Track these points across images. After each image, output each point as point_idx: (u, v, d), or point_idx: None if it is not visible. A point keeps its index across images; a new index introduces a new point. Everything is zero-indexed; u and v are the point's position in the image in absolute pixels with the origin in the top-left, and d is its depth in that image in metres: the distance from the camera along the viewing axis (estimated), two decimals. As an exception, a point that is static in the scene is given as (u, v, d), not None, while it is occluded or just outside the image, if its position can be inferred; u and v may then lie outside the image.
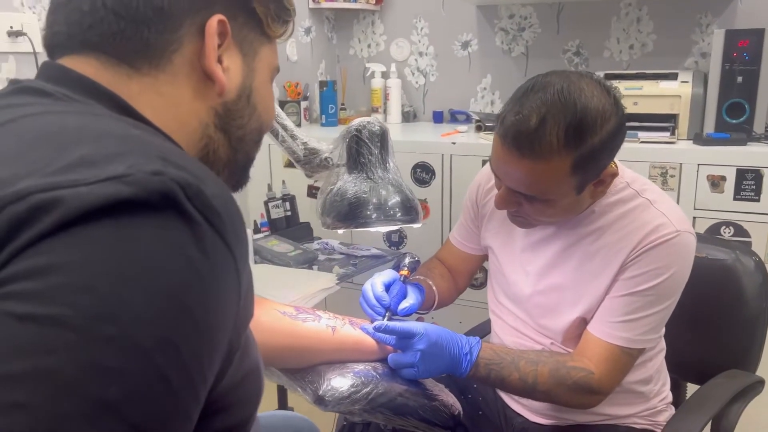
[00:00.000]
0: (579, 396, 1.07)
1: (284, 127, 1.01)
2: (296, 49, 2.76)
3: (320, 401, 0.93)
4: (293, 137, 1.01)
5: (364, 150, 0.98)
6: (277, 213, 1.90)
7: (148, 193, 0.43)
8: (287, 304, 1.03)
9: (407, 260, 1.15)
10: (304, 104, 2.70)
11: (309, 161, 1.03)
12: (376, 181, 0.97)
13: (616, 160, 1.13)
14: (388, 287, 1.12)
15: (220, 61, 0.62)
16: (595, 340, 1.07)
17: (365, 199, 0.96)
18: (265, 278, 1.52)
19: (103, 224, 0.41)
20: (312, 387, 0.95)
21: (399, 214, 0.98)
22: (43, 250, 0.39)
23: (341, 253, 1.79)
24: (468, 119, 2.68)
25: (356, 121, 0.99)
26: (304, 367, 1.00)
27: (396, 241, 2.34)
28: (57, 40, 0.61)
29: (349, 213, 0.95)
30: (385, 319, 1.08)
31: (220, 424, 0.55)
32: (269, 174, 2.51)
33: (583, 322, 1.11)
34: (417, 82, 2.85)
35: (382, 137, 1.00)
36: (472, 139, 2.28)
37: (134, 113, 0.58)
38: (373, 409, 0.97)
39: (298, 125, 2.64)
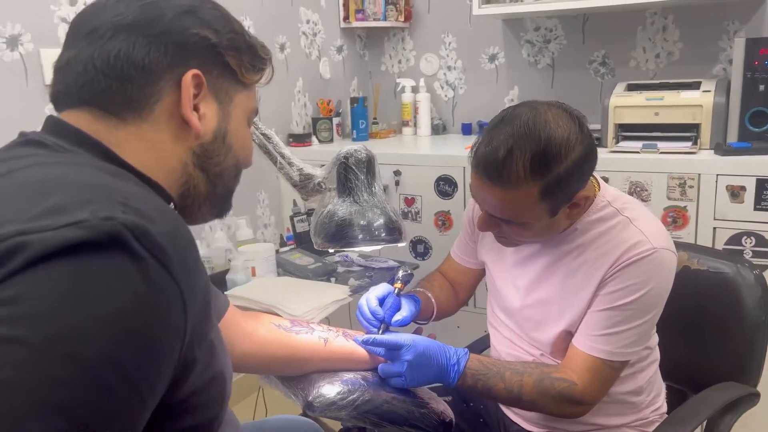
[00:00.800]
0: (564, 406, 1.11)
1: (282, 155, 1.10)
2: (329, 67, 2.88)
3: (309, 407, 1.02)
4: (290, 164, 1.10)
5: (351, 176, 1.06)
6: (302, 227, 2.01)
7: (100, 236, 0.52)
8: (286, 317, 1.12)
9: (400, 273, 1.22)
10: (336, 120, 2.81)
11: (304, 186, 1.11)
12: (362, 204, 1.05)
13: (599, 178, 1.18)
14: (382, 300, 1.20)
15: (196, 108, 0.72)
16: (578, 352, 1.12)
17: (352, 221, 1.04)
18: (282, 290, 1.63)
19: (61, 263, 0.51)
20: (303, 393, 1.04)
21: (383, 234, 1.05)
22: (12, 284, 0.49)
23: (359, 266, 1.87)
24: (495, 131, 2.71)
25: (345, 149, 1.08)
26: (298, 375, 1.09)
27: (422, 252, 2.41)
28: (59, 97, 0.73)
29: (337, 234, 1.04)
30: (380, 331, 1.15)
31: (189, 422, 0.64)
32: (301, 188, 2.63)
33: (569, 335, 1.16)
34: (446, 96, 2.92)
35: (368, 164, 1.08)
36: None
37: (116, 159, 0.69)
38: (360, 415, 1.04)
39: (331, 141, 2.75)
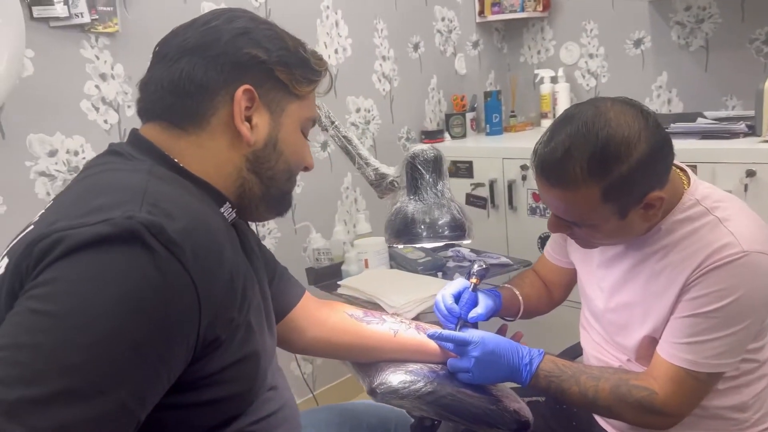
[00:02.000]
0: (643, 415, 1.05)
1: (360, 156, 1.17)
2: (465, 62, 2.89)
3: (372, 392, 1.08)
4: (367, 164, 1.17)
5: (418, 175, 1.09)
6: (420, 222, 2.06)
7: (121, 231, 0.63)
8: (385, 308, 1.17)
9: (475, 268, 1.23)
10: (470, 115, 2.82)
11: (379, 184, 1.17)
12: (427, 202, 1.08)
13: (689, 173, 1.09)
14: (458, 296, 1.21)
15: (249, 119, 0.82)
16: (660, 360, 1.05)
17: (416, 218, 1.07)
18: (387, 282, 1.69)
19: (89, 252, 0.62)
20: (369, 379, 1.10)
21: (446, 232, 1.08)
22: (52, 269, 0.62)
23: (470, 261, 1.88)
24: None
25: (414, 149, 1.12)
26: (368, 362, 1.15)
27: (550, 248, 2.34)
28: (141, 113, 0.87)
29: (403, 230, 1.08)
30: (458, 327, 1.17)
31: (220, 393, 0.75)
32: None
33: (653, 341, 1.09)
34: (588, 85, 2.78)
35: (435, 163, 1.11)
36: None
37: (175, 165, 0.81)
38: (424, 406, 1.08)
39: (463, 136, 2.77)
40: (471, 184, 2.52)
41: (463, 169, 2.55)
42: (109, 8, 1.73)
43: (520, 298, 1.32)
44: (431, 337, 1.13)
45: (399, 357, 1.14)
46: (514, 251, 2.35)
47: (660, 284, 1.06)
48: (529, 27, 2.93)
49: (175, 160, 0.81)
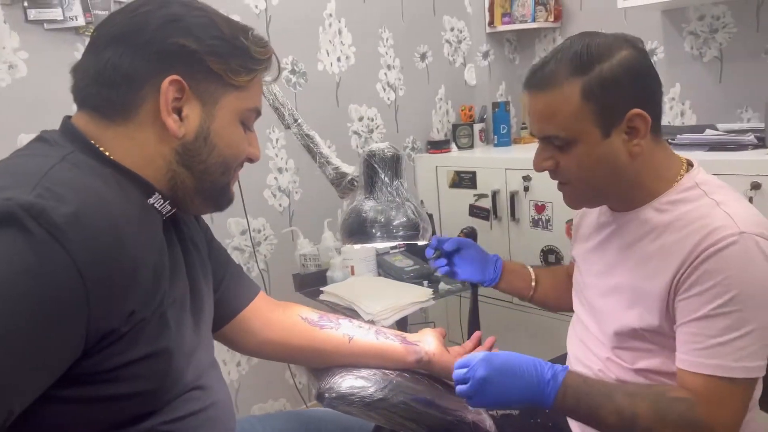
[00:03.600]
0: None
1: (321, 154, 1.14)
2: (475, 73, 2.85)
3: (320, 397, 1.04)
4: (327, 163, 1.14)
5: (374, 174, 1.06)
6: (414, 230, 2.02)
7: None
8: (363, 315, 1.15)
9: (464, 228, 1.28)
10: (478, 126, 2.77)
11: (339, 183, 1.14)
12: (383, 202, 1.05)
13: (697, 164, 1.05)
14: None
15: (179, 110, 0.79)
16: (686, 375, 0.94)
17: (371, 218, 1.04)
18: (368, 290, 1.66)
19: None
20: (318, 384, 1.06)
21: (401, 232, 1.04)
22: None
23: (460, 271, 1.83)
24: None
25: (371, 147, 1.08)
26: (321, 367, 1.11)
27: (553, 262, 2.26)
28: (75, 100, 0.85)
29: (356, 230, 1.05)
30: (434, 254, 1.26)
31: (122, 390, 0.72)
32: (436, 193, 2.63)
33: (636, 334, 1.02)
34: (599, 97, 2.70)
35: (393, 162, 1.07)
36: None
37: (99, 154, 0.79)
38: (372, 413, 1.03)
39: (471, 147, 2.72)
40: (474, 195, 2.47)
41: (466, 179, 2.50)
42: (104, 11, 1.75)
43: (532, 272, 1.32)
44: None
45: (353, 363, 1.11)
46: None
47: (651, 268, 1.00)
48: (541, 37, 2.87)
49: (101, 149, 0.79)
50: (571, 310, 1.32)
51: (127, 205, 0.75)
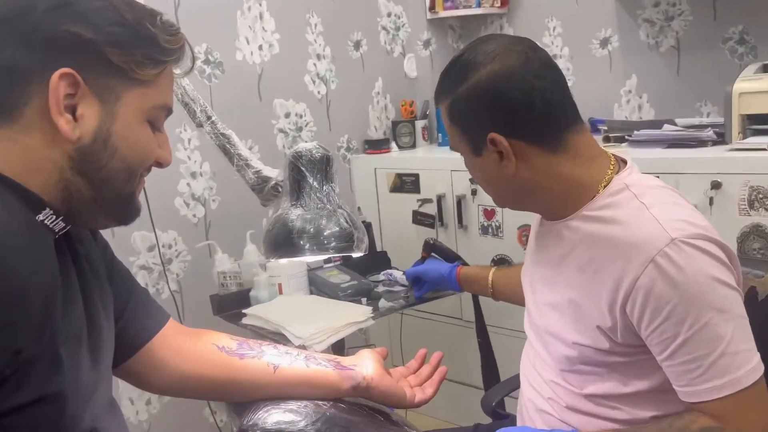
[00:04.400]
0: None
1: (239, 156, 1.13)
2: (415, 64, 2.89)
3: (242, 436, 1.02)
4: (247, 165, 1.13)
5: (301, 178, 1.06)
6: (350, 241, 2.03)
7: None
8: (291, 339, 1.13)
9: (426, 240, 1.47)
10: (421, 123, 2.81)
11: (261, 189, 1.13)
12: (312, 210, 1.05)
13: (626, 158, 1.09)
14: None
15: (73, 109, 0.76)
16: (702, 408, 0.96)
17: (298, 228, 1.04)
18: (299, 310, 1.65)
19: None
20: (240, 420, 1.05)
21: (333, 244, 1.04)
22: None
23: (403, 285, 1.85)
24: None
25: (297, 148, 1.08)
26: (242, 402, 1.10)
27: (504, 273, 2.31)
28: None
29: (282, 242, 1.04)
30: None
31: None
32: (375, 199, 2.65)
33: (580, 354, 1.05)
34: (552, 90, 2.79)
35: (323, 165, 1.07)
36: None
37: None
38: (304, 451, 1.02)
39: (413, 146, 2.75)
40: (418, 200, 2.50)
41: (409, 183, 2.53)
42: None
43: (490, 280, 1.51)
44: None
45: (280, 395, 1.09)
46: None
47: (585, 283, 1.03)
48: (488, 24, 2.94)
49: None
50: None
51: (10, 223, 0.71)
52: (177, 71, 0.89)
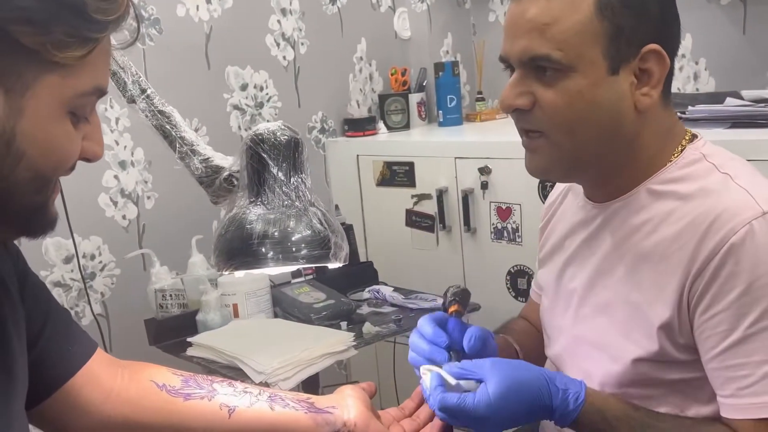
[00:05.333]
0: None
1: (182, 140, 1.14)
2: (408, 21, 2.91)
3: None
4: (193, 152, 1.13)
5: (263, 168, 1.07)
6: (325, 249, 2.04)
7: None
8: (179, 372, 1.15)
9: (451, 291, 1.23)
10: (416, 97, 2.83)
11: (211, 182, 1.14)
12: (276, 208, 1.06)
13: (701, 136, 1.13)
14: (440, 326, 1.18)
15: None
16: (737, 424, 1.00)
17: (259, 231, 1.04)
18: (261, 338, 1.67)
19: None
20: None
21: (304, 252, 1.05)
22: None
23: (393, 305, 1.87)
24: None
25: (256, 129, 1.09)
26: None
27: (523, 289, 2.33)
28: None
29: (238, 250, 1.05)
30: (452, 359, 1.12)
31: None
32: (358, 194, 2.67)
33: (636, 371, 1.07)
34: (584, 54, 2.82)
35: (290, 150, 1.08)
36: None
37: None
38: None
39: (406, 126, 2.78)
40: (413, 197, 2.51)
41: (401, 174, 2.54)
42: None
43: (517, 348, 1.33)
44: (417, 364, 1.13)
45: (238, 443, 1.11)
46: (474, 292, 2.34)
47: (647, 274, 1.06)
48: (501, -29, 2.98)
49: None
50: None
51: None
52: (114, 42, 0.90)
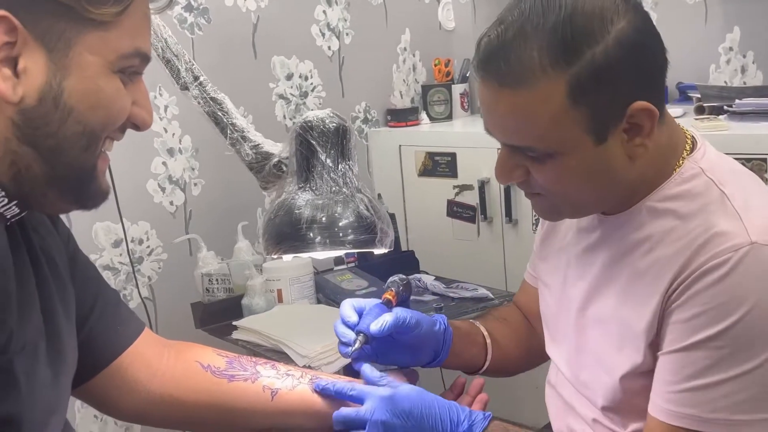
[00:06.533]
0: None
1: (234, 127, 1.17)
2: (453, 12, 2.91)
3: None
4: (243, 138, 1.16)
5: (311, 155, 1.09)
6: (368, 237, 2.07)
7: None
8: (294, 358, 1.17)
9: (392, 279, 1.26)
10: (459, 88, 2.84)
11: (260, 168, 1.17)
12: (325, 194, 1.08)
13: (695, 135, 1.10)
14: (362, 312, 1.22)
15: (15, 62, 0.79)
16: (653, 421, 1.03)
17: (309, 217, 1.07)
18: (304, 323, 1.69)
19: None
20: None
21: (351, 237, 1.07)
22: None
23: (435, 293, 1.89)
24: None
25: (306, 117, 1.12)
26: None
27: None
28: None
29: (287, 234, 1.08)
30: (355, 346, 1.16)
31: None
32: (399, 185, 2.68)
33: (628, 384, 1.08)
34: (629, 47, 2.80)
35: (338, 137, 1.10)
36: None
37: None
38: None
39: (448, 117, 2.78)
40: (454, 187, 2.52)
41: (443, 164, 2.55)
42: None
43: (484, 330, 1.33)
44: (317, 388, 1.13)
45: (281, 425, 1.14)
46: (515, 283, 2.35)
47: (641, 292, 1.06)
48: (547, -38, 2.96)
49: None
50: (535, 366, 1.40)
51: None
52: (154, 5, 0.92)
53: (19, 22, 0.77)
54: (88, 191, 0.88)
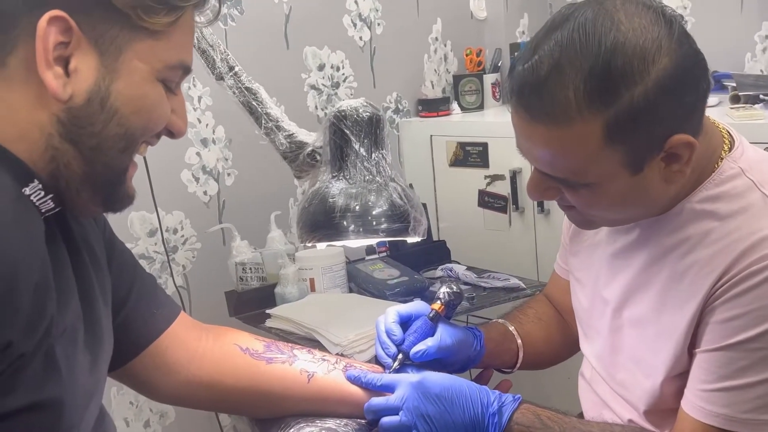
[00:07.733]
0: None
1: (268, 116, 1.19)
2: (484, 2, 2.91)
3: (269, 459, 1.09)
4: (278, 128, 1.18)
5: (345, 144, 1.11)
6: (399, 227, 2.08)
7: None
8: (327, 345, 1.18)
9: (443, 290, 1.23)
10: (491, 78, 2.83)
11: (295, 157, 1.19)
12: (358, 183, 1.10)
13: (732, 132, 1.10)
14: (407, 320, 1.22)
15: (66, 61, 0.82)
16: (684, 418, 1.05)
17: (341, 205, 1.09)
18: (337, 311, 1.71)
19: None
20: (267, 440, 1.11)
21: (384, 225, 1.09)
22: None
23: (466, 283, 1.89)
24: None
25: (339, 106, 1.13)
26: (267, 416, 1.16)
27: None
28: None
29: (321, 222, 1.09)
30: (395, 364, 1.18)
31: None
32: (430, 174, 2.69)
33: (674, 385, 1.09)
34: (663, 35, 2.78)
35: (372, 126, 1.12)
36: (719, 116, 2.16)
37: None
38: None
39: (480, 107, 2.78)
40: (486, 177, 2.52)
41: (474, 154, 2.56)
42: None
43: (517, 336, 1.33)
44: (349, 379, 1.15)
45: (314, 409, 1.16)
46: (547, 273, 2.34)
47: (681, 292, 1.06)
48: (580, -50, 2.94)
49: None
50: (567, 358, 1.41)
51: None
52: (200, 19, 0.94)
53: (75, 24, 0.80)
54: (117, 194, 0.92)
